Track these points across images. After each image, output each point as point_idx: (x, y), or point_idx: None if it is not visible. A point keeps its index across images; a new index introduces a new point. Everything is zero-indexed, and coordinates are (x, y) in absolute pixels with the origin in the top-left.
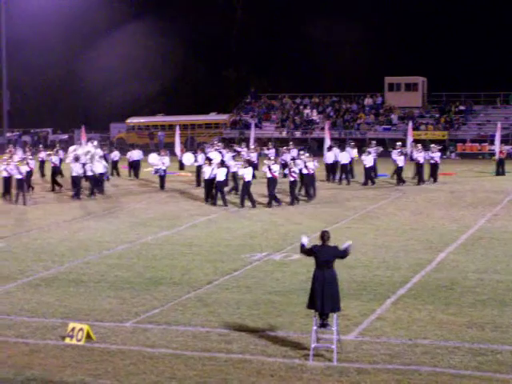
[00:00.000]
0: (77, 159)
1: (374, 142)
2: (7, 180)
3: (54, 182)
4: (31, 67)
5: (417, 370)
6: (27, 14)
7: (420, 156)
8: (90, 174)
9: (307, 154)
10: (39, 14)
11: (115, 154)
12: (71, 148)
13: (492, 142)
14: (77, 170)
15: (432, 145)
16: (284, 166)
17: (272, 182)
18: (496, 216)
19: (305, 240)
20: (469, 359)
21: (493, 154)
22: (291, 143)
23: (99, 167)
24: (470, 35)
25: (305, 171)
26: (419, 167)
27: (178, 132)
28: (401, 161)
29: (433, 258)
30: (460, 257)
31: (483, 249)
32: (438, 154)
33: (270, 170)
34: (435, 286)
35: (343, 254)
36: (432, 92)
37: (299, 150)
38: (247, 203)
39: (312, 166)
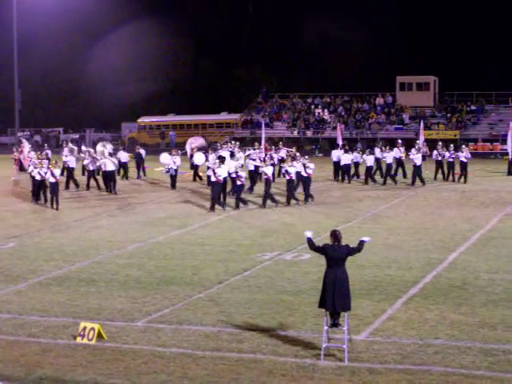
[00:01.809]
0: (111, 154)
1: (418, 141)
2: (40, 183)
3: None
4: (41, 67)
5: (428, 370)
6: (36, 12)
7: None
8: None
9: (306, 157)
10: (48, 12)
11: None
12: (99, 146)
13: (504, 142)
14: (112, 165)
15: (417, 142)
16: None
17: (216, 186)
18: (508, 216)
19: (309, 234)
20: (480, 359)
21: (505, 154)
22: (281, 143)
23: (110, 165)
24: (482, 34)
25: (304, 174)
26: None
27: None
28: (418, 159)
29: (444, 257)
30: (472, 257)
31: (495, 249)
32: (419, 155)
33: (214, 173)
34: (447, 286)
35: (357, 249)
36: (444, 91)
37: (313, 149)
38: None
39: (310, 170)
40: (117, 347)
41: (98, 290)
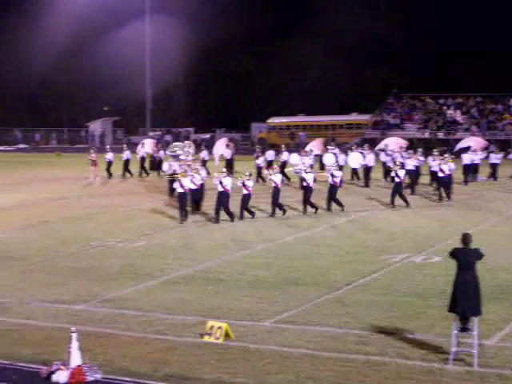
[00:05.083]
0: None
1: None
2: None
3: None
4: (173, 67)
5: None
6: (167, 12)
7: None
8: None
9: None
10: (179, 13)
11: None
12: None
13: None
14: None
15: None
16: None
17: (225, 197)
18: None
19: None
20: None
21: None
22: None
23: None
24: None
25: (441, 174)
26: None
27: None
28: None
29: None
30: None
31: None
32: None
33: (221, 183)
34: None
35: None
36: None
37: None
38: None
39: (447, 168)
40: (243, 346)
41: (226, 289)
